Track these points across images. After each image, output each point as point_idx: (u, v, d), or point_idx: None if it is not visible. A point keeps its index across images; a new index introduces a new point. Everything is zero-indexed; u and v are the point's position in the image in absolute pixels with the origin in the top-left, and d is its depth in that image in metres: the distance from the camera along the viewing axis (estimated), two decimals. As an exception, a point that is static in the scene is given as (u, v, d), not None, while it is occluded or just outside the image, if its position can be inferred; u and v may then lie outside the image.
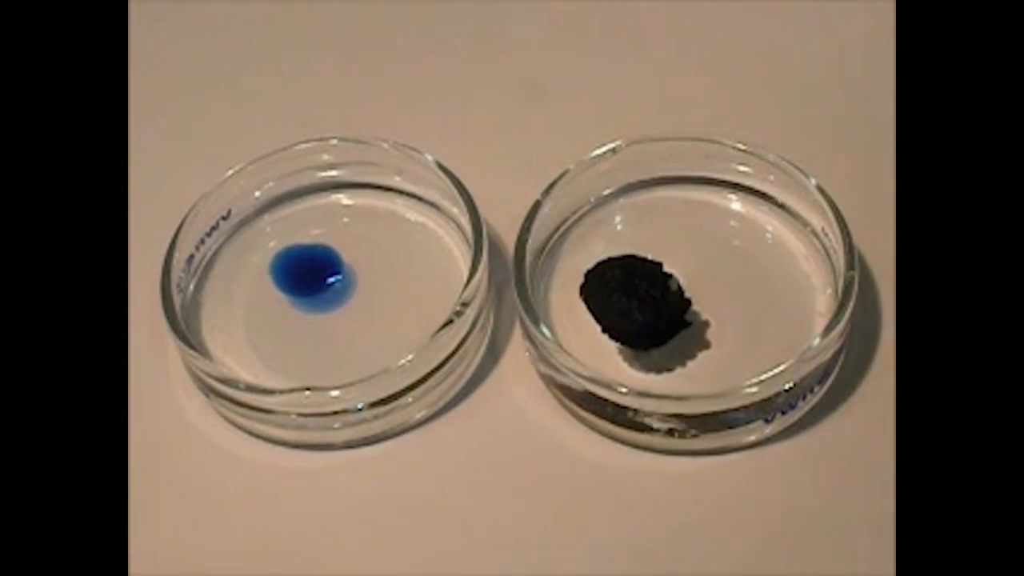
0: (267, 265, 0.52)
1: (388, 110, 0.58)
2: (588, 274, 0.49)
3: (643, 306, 0.48)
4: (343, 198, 0.55)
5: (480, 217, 0.51)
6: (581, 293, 0.49)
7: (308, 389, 0.48)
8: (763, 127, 0.54)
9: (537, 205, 0.51)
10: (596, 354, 0.49)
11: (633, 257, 0.49)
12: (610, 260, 0.49)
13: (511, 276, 0.49)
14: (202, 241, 0.52)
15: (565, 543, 0.47)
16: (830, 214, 0.49)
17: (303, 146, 0.54)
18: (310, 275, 0.52)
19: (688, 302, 0.49)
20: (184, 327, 0.49)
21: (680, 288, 0.48)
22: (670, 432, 0.47)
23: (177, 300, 0.50)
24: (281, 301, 0.52)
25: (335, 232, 0.54)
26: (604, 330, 0.49)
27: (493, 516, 0.47)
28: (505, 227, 0.52)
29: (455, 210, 0.52)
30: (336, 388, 0.48)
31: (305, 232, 0.54)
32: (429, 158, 0.52)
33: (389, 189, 0.54)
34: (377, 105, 0.58)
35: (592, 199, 0.53)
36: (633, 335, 0.48)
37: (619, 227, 0.53)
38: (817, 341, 0.47)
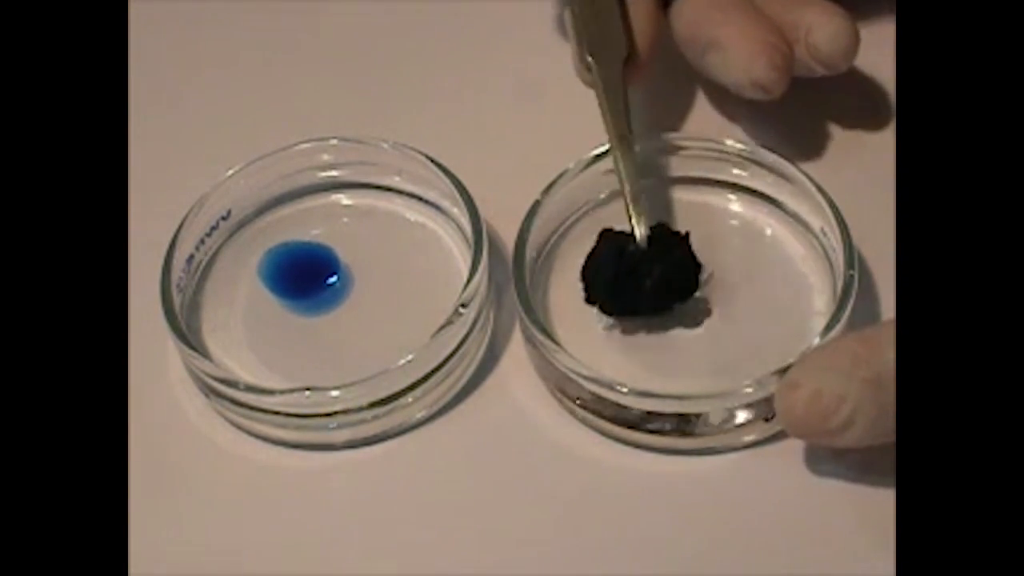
0: (258, 267, 0.52)
1: (388, 110, 0.58)
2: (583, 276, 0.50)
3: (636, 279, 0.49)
4: (343, 198, 0.55)
5: (480, 217, 0.51)
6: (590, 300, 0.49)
7: (308, 389, 0.48)
8: (763, 127, 0.54)
9: (537, 205, 0.51)
10: (596, 354, 0.49)
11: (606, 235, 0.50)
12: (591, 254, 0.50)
13: (511, 276, 0.49)
14: (202, 241, 0.52)
15: (565, 543, 0.47)
16: (830, 214, 0.49)
17: (303, 146, 0.54)
18: (306, 277, 0.52)
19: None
20: (184, 327, 0.49)
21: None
22: (670, 432, 0.47)
23: (177, 300, 0.50)
24: (282, 301, 0.52)
25: (335, 232, 0.54)
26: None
27: (493, 516, 0.47)
28: (505, 227, 0.52)
29: (455, 210, 0.52)
30: (336, 388, 0.48)
31: (305, 232, 0.54)
32: (429, 158, 0.52)
33: (389, 189, 0.54)
34: (377, 105, 0.58)
35: (592, 199, 0.53)
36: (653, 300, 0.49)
37: (619, 227, 0.52)
38: (817, 341, 0.47)
